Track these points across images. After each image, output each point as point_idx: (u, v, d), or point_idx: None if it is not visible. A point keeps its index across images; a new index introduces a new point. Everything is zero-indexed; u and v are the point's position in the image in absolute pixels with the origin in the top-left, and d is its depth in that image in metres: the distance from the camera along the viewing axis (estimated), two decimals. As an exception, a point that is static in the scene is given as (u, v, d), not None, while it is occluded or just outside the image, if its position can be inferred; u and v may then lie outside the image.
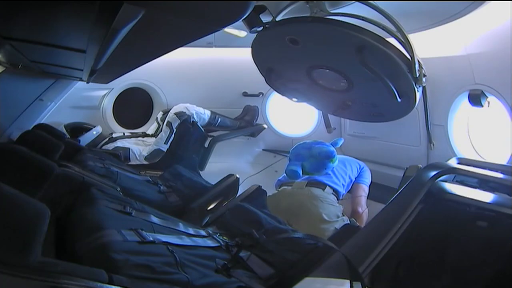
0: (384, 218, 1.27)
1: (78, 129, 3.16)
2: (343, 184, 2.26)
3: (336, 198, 2.18)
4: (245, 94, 3.56)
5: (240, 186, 2.28)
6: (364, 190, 2.35)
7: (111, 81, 2.98)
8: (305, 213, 2.05)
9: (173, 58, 2.64)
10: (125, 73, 2.51)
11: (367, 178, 2.41)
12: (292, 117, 3.68)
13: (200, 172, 3.16)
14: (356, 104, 2.38)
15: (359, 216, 2.23)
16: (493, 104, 2.04)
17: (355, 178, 2.38)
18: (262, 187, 2.04)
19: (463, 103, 2.22)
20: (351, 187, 2.37)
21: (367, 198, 2.36)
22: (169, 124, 3.15)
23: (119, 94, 3.46)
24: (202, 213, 1.88)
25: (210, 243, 1.33)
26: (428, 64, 1.95)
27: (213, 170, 3.25)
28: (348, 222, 2.06)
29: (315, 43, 1.90)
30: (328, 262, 1.13)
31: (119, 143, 3.18)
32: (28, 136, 2.07)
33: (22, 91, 2.77)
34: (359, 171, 2.42)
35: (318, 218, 2.01)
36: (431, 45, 2.23)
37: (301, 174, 2.24)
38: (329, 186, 2.18)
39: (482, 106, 2.05)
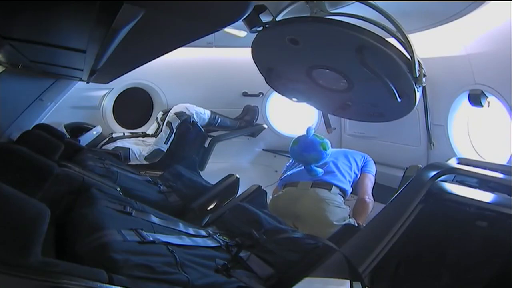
0: (384, 218, 1.27)
1: (78, 129, 3.17)
2: (349, 181, 2.24)
3: (343, 198, 2.16)
4: (245, 94, 3.56)
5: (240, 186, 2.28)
6: (370, 179, 2.32)
7: (111, 81, 2.98)
8: (312, 218, 2.03)
9: (173, 58, 2.64)
10: (125, 73, 2.50)
11: (373, 168, 2.39)
12: (292, 117, 3.68)
13: (200, 172, 3.16)
14: (356, 104, 2.38)
15: (366, 206, 2.19)
16: (493, 104, 2.04)
17: (360, 169, 2.36)
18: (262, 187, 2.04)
19: (463, 103, 2.22)
20: (358, 178, 2.33)
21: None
22: (169, 124, 3.15)
23: (119, 94, 3.46)
24: (202, 213, 1.88)
25: (210, 243, 1.33)
26: (428, 64, 1.94)
27: (213, 170, 3.26)
28: (356, 224, 2.01)
29: (315, 43, 1.90)
30: (328, 262, 1.13)
31: (119, 143, 3.18)
32: (28, 136, 2.07)
33: (22, 91, 2.76)
34: (363, 162, 2.39)
35: (325, 223, 1.99)
36: (431, 45, 2.23)
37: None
38: (335, 185, 2.14)
39: (482, 106, 2.05)
